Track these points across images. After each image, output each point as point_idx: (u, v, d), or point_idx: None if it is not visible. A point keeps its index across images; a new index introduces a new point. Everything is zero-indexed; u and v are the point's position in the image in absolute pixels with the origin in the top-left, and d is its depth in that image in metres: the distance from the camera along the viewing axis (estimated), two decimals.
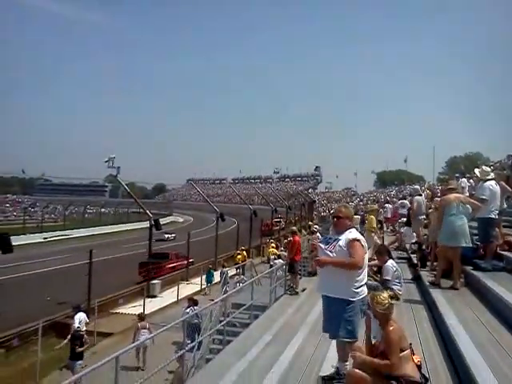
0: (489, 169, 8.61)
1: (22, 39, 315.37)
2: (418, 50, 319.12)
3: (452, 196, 7.66)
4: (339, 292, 4.32)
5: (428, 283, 7.96)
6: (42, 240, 43.69)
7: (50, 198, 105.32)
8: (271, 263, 19.74)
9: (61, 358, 13.01)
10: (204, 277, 23.17)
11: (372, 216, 13.15)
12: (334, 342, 4.79)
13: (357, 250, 4.34)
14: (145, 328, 12.70)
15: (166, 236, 42.65)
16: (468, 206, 7.50)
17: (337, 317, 4.35)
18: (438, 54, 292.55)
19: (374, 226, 12.99)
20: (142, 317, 13.51)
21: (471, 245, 7.58)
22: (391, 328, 3.79)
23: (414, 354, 3.84)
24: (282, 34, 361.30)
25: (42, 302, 17.11)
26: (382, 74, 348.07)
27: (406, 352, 3.75)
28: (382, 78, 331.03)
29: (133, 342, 11.38)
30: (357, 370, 3.83)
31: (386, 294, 4.11)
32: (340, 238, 4.48)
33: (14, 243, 14.61)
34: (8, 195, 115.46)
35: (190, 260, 28.01)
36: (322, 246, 4.54)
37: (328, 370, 4.90)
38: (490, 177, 8.13)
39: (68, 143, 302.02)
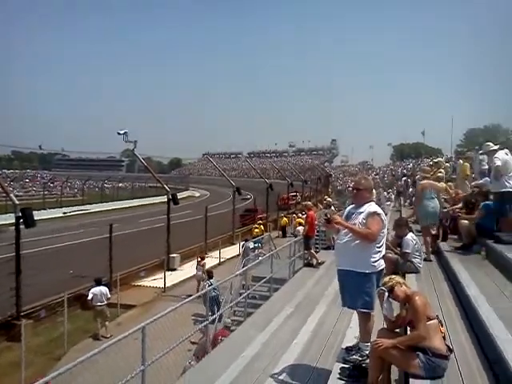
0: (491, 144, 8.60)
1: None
2: (432, 16, 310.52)
3: (426, 182, 9.17)
4: (356, 265, 4.35)
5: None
6: (62, 215, 44.14)
7: (68, 173, 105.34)
8: (295, 233, 19.88)
9: (87, 329, 13.74)
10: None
11: (466, 163, 13.15)
12: (355, 314, 4.83)
13: (374, 222, 4.37)
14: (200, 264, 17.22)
15: (248, 196, 52.74)
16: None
17: (354, 289, 4.40)
18: (453, 21, 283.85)
19: (468, 173, 12.93)
20: (202, 256, 18.56)
21: (436, 224, 9.18)
22: (416, 297, 3.81)
23: (442, 326, 3.86)
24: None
25: (66, 275, 17.46)
26: (396, 42, 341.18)
27: (433, 322, 3.76)
28: (396, 46, 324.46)
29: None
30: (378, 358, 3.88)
31: (387, 278, 4.13)
32: (361, 210, 4.49)
33: (35, 218, 14.87)
34: (28, 170, 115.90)
35: (264, 215, 34.94)
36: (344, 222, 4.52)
37: (351, 341, 4.95)
38: (494, 148, 8.14)
39: (84, 118, 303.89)
